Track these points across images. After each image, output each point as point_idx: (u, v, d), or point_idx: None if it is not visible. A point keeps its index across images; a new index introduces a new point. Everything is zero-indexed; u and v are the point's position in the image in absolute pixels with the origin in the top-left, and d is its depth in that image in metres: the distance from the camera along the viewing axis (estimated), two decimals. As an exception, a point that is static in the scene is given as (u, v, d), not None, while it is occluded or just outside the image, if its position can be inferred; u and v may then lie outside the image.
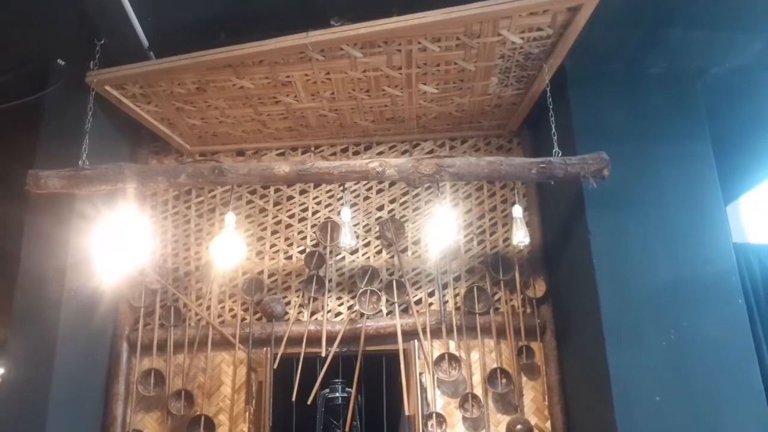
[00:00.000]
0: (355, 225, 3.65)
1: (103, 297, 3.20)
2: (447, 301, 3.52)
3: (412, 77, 3.07)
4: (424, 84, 3.14)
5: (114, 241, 2.80)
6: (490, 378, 3.37)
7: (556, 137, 2.95)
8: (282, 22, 2.80)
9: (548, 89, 3.07)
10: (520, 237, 2.96)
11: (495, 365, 3.40)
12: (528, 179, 3.01)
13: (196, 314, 3.55)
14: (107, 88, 3.01)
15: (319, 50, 2.81)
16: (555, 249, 3.46)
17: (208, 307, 3.57)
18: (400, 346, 3.37)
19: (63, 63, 3.14)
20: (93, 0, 2.65)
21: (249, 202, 3.78)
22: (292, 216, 3.76)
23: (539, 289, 3.46)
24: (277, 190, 3.79)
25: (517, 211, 3.04)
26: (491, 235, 3.65)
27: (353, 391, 3.40)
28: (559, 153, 2.87)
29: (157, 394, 3.39)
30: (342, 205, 3.57)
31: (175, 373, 3.44)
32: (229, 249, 2.93)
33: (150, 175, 2.78)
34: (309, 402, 3.32)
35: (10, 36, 2.98)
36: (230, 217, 2.99)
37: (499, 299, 3.53)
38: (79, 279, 3.01)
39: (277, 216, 3.76)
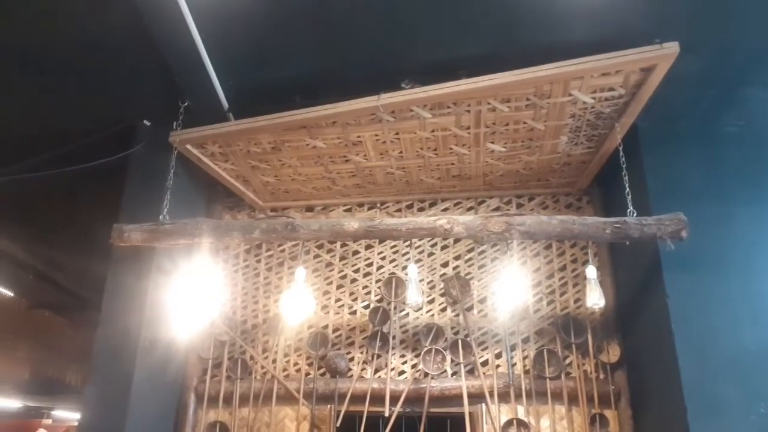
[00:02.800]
0: (419, 281, 3.63)
1: (175, 348, 3.29)
2: (515, 364, 3.41)
3: (480, 136, 3.10)
4: (492, 143, 3.16)
5: (189, 293, 2.89)
6: (561, 447, 3.20)
7: (630, 197, 2.88)
8: (354, 85, 2.91)
9: (621, 148, 3.02)
10: (595, 299, 2.86)
11: (566, 433, 3.24)
12: (602, 239, 2.94)
13: (262, 367, 3.58)
14: (188, 147, 3.18)
15: (389, 112, 2.89)
16: (630, 312, 3.32)
17: (274, 361, 3.60)
18: (466, 409, 3.27)
19: (148, 123, 3.35)
20: (180, 64, 2.84)
21: (316, 256, 3.84)
22: (357, 271, 3.78)
23: (613, 353, 3.30)
24: (343, 245, 3.84)
25: (591, 272, 2.95)
26: (561, 295, 3.54)
27: (416, 454, 3.30)
28: (634, 213, 2.80)
29: (221, 448, 3.41)
30: (408, 261, 3.58)
31: (240, 426, 3.45)
32: (299, 304, 2.97)
33: (226, 230, 2.88)
34: (372, 463, 3.24)
35: (102, 98, 3.23)
36: (300, 272, 3.04)
37: (570, 363, 3.39)
38: (155, 330, 3.11)
39: (342, 270, 3.80)
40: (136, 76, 3.03)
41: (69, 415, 13.60)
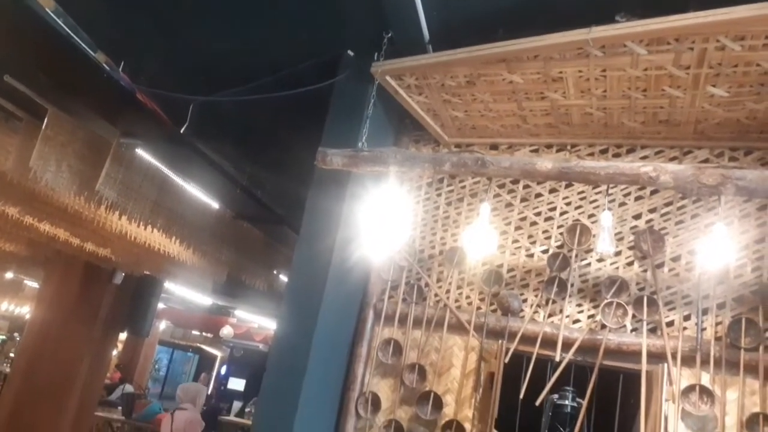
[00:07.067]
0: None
1: (360, 267, 3.53)
2: (705, 329, 3.17)
3: (701, 78, 2.80)
4: (714, 86, 2.84)
5: (379, 219, 3.05)
6: (750, 423, 2.96)
7: None
8: (562, 17, 2.77)
9: None
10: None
11: (757, 410, 2.98)
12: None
13: (436, 295, 3.72)
14: (387, 78, 3.28)
15: (599, 46, 2.71)
16: None
17: (447, 291, 3.72)
18: (644, 367, 3.13)
19: (352, 54, 3.50)
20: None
21: (496, 195, 3.82)
22: (538, 214, 3.71)
23: (829, 333, 2.93)
24: (525, 186, 3.77)
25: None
26: (771, 262, 3.18)
27: (585, 403, 3.26)
28: None
29: (393, 363, 3.64)
30: (596, 209, 3.44)
31: (411, 347, 3.65)
32: (482, 240, 3.00)
33: (418, 161, 2.97)
34: (537, 403, 3.27)
35: (312, 28, 3.42)
36: (485, 209, 3.06)
37: (772, 337, 3.08)
38: (345, 248, 3.36)
39: (522, 212, 3.74)
40: (344, 5, 3.15)
41: (247, 316, 15.40)
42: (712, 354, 3.09)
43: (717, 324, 3.17)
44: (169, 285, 9.35)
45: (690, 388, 3.08)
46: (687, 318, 3.22)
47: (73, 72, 3.66)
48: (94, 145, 4.40)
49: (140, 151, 4.42)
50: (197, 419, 5.66)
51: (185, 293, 10.90)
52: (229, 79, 3.78)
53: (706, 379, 3.08)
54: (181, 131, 4.05)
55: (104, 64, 3.52)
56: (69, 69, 3.63)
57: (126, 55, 3.78)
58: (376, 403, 3.59)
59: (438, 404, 3.49)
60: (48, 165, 4.15)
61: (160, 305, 11.31)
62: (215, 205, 5.59)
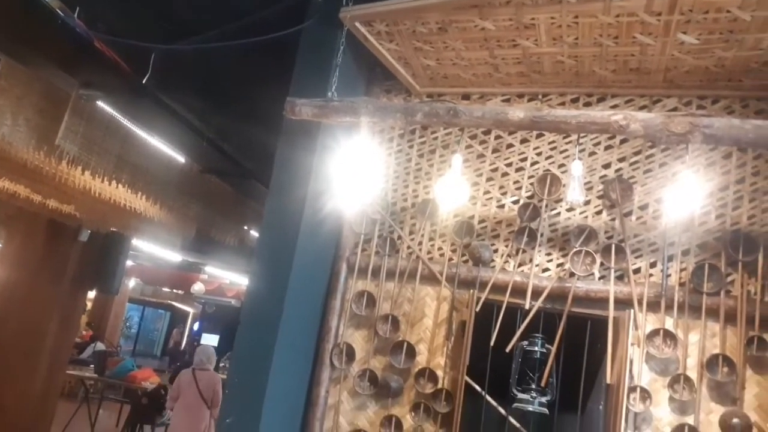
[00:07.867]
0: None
1: (333, 221, 3.50)
2: (670, 275, 3.26)
3: (672, 25, 2.78)
4: (685, 33, 2.83)
5: (350, 171, 3.02)
6: (709, 363, 3.09)
7: None
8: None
9: None
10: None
11: (717, 351, 3.10)
12: (801, 151, 2.61)
13: (408, 248, 3.74)
14: (357, 24, 3.18)
15: (572, -9, 2.67)
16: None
17: (420, 243, 3.73)
18: (611, 312, 3.22)
19: (321, -1, 3.39)
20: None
21: (468, 146, 3.80)
22: (509, 164, 3.71)
23: (787, 276, 3.04)
24: (497, 137, 3.76)
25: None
26: (734, 209, 3.26)
27: (554, 348, 3.35)
28: None
29: (367, 315, 3.67)
30: (566, 159, 3.46)
31: (385, 298, 3.68)
32: (454, 190, 3.00)
33: (390, 111, 2.92)
34: (508, 350, 3.35)
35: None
36: (458, 159, 3.04)
37: (732, 282, 3.18)
38: (317, 201, 3.32)
39: (494, 163, 3.74)
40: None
41: (218, 272, 15.35)
42: (676, 299, 3.19)
43: (681, 270, 3.26)
44: (137, 242, 9.20)
45: (654, 332, 3.19)
46: (653, 265, 3.31)
47: (25, 19, 3.45)
48: (52, 98, 4.21)
49: (101, 103, 4.26)
50: (219, 377, 6.29)
51: (154, 250, 10.76)
52: (193, 27, 3.62)
53: (670, 323, 3.19)
54: (143, 82, 3.89)
55: (58, 10, 3.32)
56: (20, 16, 3.42)
57: (81, 0, 3.58)
58: (350, 353, 3.64)
59: (411, 353, 3.55)
60: (3, 119, 3.97)
61: (129, 262, 11.16)
62: (181, 159, 5.45)
